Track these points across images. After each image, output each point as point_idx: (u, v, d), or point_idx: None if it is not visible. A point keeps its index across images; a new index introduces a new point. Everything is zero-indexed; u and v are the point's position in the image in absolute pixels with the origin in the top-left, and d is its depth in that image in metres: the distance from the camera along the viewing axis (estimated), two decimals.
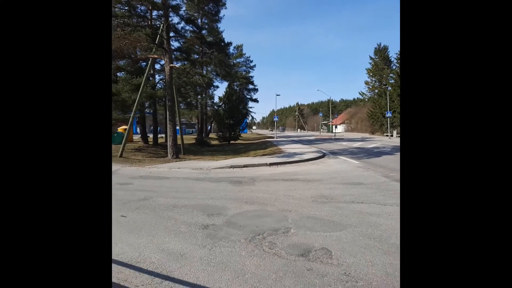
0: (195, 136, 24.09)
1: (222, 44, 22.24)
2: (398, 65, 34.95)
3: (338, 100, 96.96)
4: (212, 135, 29.99)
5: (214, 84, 26.08)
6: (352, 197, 4.66)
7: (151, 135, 17.81)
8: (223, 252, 2.62)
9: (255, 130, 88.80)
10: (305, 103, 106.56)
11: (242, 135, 28.05)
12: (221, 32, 23.20)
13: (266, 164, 8.89)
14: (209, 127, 31.20)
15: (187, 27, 18.08)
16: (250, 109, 36.12)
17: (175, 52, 16.49)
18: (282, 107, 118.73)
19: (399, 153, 11.77)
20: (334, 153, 12.62)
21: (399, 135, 28.56)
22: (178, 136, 12.22)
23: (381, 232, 3.08)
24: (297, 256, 2.53)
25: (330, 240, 2.89)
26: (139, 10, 14.70)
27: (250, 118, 39.86)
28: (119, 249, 2.69)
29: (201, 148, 16.43)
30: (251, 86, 34.54)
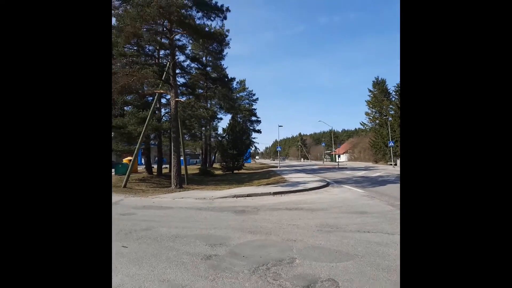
0: (199, 166, 24.12)
1: (226, 79, 23.11)
2: (397, 97, 35.73)
3: (340, 130, 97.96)
4: (216, 165, 30.01)
5: (218, 116, 26.71)
6: (358, 226, 4.55)
7: (155, 166, 17.90)
8: (225, 284, 2.54)
9: (258, 160, 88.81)
10: (308, 134, 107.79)
11: (246, 164, 28.06)
12: (225, 68, 24.26)
13: (269, 194, 8.80)
14: (213, 157, 31.33)
15: (192, 65, 18.97)
16: (253, 140, 36.55)
17: (180, 87, 17.14)
18: (285, 137, 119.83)
19: None
20: (338, 182, 12.49)
21: None
22: (182, 167, 12.28)
23: (389, 262, 2.98)
24: (303, 287, 2.44)
25: (337, 270, 2.79)
26: (147, 50, 15.59)
27: (253, 148, 40.11)
28: (119, 281, 2.62)
29: (205, 178, 16.39)
30: (254, 118, 35.26)
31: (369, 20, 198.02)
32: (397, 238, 3.82)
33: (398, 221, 4.79)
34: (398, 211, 5.63)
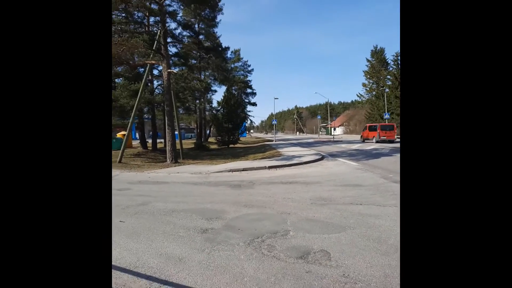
0: (194, 141, 24.08)
1: (220, 49, 22.35)
2: (395, 66, 35.18)
3: (336, 103, 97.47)
4: (211, 139, 30.00)
5: (212, 88, 26.24)
6: (351, 198, 4.66)
7: (150, 141, 17.82)
8: (221, 256, 2.62)
9: (254, 133, 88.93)
10: (304, 106, 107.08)
11: (241, 138, 28.04)
12: (219, 37, 23.35)
13: (265, 168, 8.89)
14: (208, 132, 31.22)
15: (184, 33, 18.17)
16: (249, 113, 36.25)
17: (172, 58, 16.55)
18: (281, 110, 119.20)
19: (397, 155, 11.80)
20: (333, 155, 12.64)
21: (398, 136, 28.65)
22: (177, 141, 12.23)
23: (379, 233, 3.08)
24: (296, 258, 2.53)
25: (329, 242, 2.88)
26: (136, 17, 14.80)
27: (248, 121, 39.92)
28: (117, 254, 2.68)
29: (200, 153, 16.43)
30: (249, 90, 34.70)
31: None
32: (388, 210, 3.93)
33: (390, 193, 4.93)
34: (391, 184, 5.77)
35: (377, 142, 21.78)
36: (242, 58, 33.19)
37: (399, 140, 27.26)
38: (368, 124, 26.17)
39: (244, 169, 8.69)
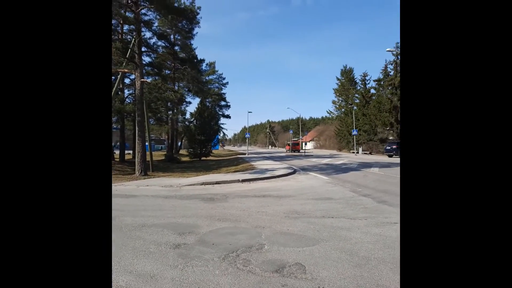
0: (165, 153, 23.39)
1: (195, 60, 22.32)
2: (362, 86, 37.28)
3: (307, 118, 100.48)
4: (182, 151, 29.34)
5: (186, 100, 25.88)
6: (323, 212, 4.78)
7: (117, 152, 17.01)
8: (195, 272, 2.54)
9: (226, 146, 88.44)
10: (276, 121, 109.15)
11: (214, 151, 27.81)
12: (194, 49, 23.38)
13: (238, 181, 8.85)
14: (179, 143, 30.53)
15: (159, 43, 17.99)
16: (222, 125, 36.14)
17: (146, 67, 16.22)
18: (254, 124, 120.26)
19: (365, 169, 12.36)
20: (305, 169, 12.92)
21: (364, 152, 30.05)
22: (147, 153, 11.80)
23: (351, 245, 3.18)
24: (272, 272, 2.52)
25: (304, 255, 2.92)
26: None
27: (221, 134, 39.75)
28: None
29: (171, 165, 15.98)
30: (223, 103, 34.75)
31: (343, 5, 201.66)
32: (358, 222, 4.08)
33: (360, 206, 5.13)
34: (360, 197, 6.01)
35: (291, 151, 37.95)
36: (217, 71, 33.34)
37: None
38: (288, 142, 44.21)
39: (217, 182, 8.58)
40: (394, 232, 3.62)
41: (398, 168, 12.39)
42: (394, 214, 4.55)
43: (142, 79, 10.98)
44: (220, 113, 34.44)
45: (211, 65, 32.53)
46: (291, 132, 57.89)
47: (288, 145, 41.67)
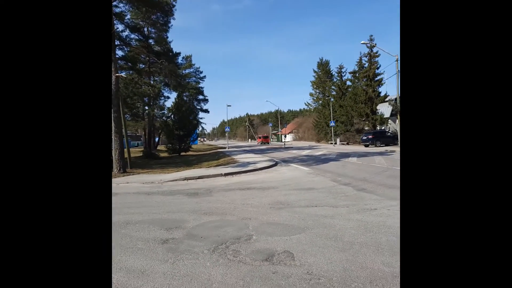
0: (142, 149, 22.76)
1: (171, 54, 21.74)
2: (338, 78, 38.10)
3: (286, 111, 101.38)
4: (160, 147, 28.70)
5: (164, 94, 25.21)
6: (307, 201, 4.93)
7: None
8: (187, 265, 2.56)
9: (206, 141, 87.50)
10: (255, 114, 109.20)
11: (193, 146, 27.43)
12: (170, 42, 22.71)
13: (221, 175, 8.85)
14: (157, 139, 29.80)
15: (133, 36, 17.34)
16: (201, 120, 35.69)
17: (119, 61, 15.59)
18: (233, 118, 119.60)
19: (344, 159, 12.77)
20: (286, 161, 13.13)
21: (342, 142, 30.94)
22: (125, 149, 11.46)
23: (335, 232, 3.32)
24: (262, 261, 2.60)
25: (291, 243, 3.02)
26: None
27: (200, 128, 39.28)
28: None
29: (150, 161, 15.61)
30: (201, 97, 34.27)
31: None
32: (341, 210, 4.26)
33: (341, 194, 5.34)
34: (340, 186, 6.24)
35: (261, 143, 44.67)
36: (194, 65, 32.72)
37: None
38: (259, 135, 54.26)
39: (199, 177, 8.53)
40: (374, 217, 3.82)
41: (374, 157, 12.92)
42: (373, 201, 4.78)
43: (117, 74, 10.57)
44: (199, 107, 33.97)
45: (188, 58, 31.86)
46: (270, 125, 58.24)
47: (259, 138, 50.26)
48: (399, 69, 19.59)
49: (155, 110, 22.61)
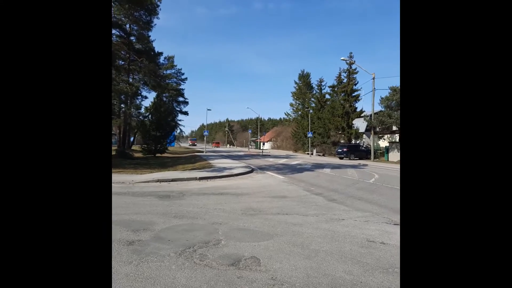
0: (116, 148, 21.97)
1: (152, 53, 21.38)
2: (318, 90, 39.19)
3: (266, 119, 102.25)
4: (135, 147, 27.85)
5: (142, 94, 24.62)
6: (278, 209, 5.00)
7: None
8: (151, 267, 2.51)
9: (183, 144, 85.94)
10: (235, 120, 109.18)
11: (170, 148, 26.84)
12: (152, 41, 22.33)
13: (195, 179, 8.75)
14: (132, 139, 28.89)
15: (114, 31, 16.86)
16: (179, 122, 35.12)
17: None
18: (213, 122, 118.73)
19: (318, 170, 13.07)
20: (262, 168, 13.23)
21: (318, 153, 31.65)
22: None
23: (303, 239, 3.40)
24: (228, 265, 2.61)
25: (259, 249, 3.06)
26: None
27: (178, 131, 38.58)
28: None
29: (123, 161, 15.09)
30: (181, 99, 33.83)
31: (302, 14, 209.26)
32: (310, 218, 4.37)
33: (312, 204, 5.47)
34: (312, 196, 6.40)
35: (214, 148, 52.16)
36: (175, 66, 32.30)
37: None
38: (214, 141, 71.49)
39: (173, 180, 8.38)
40: (341, 227, 3.96)
41: (347, 169, 13.35)
42: (341, 211, 4.95)
43: None
44: (178, 109, 33.50)
45: (170, 59, 31.43)
46: (249, 131, 58.38)
47: (214, 143, 66.45)
48: (375, 87, 20.55)
49: (132, 109, 21.99)
